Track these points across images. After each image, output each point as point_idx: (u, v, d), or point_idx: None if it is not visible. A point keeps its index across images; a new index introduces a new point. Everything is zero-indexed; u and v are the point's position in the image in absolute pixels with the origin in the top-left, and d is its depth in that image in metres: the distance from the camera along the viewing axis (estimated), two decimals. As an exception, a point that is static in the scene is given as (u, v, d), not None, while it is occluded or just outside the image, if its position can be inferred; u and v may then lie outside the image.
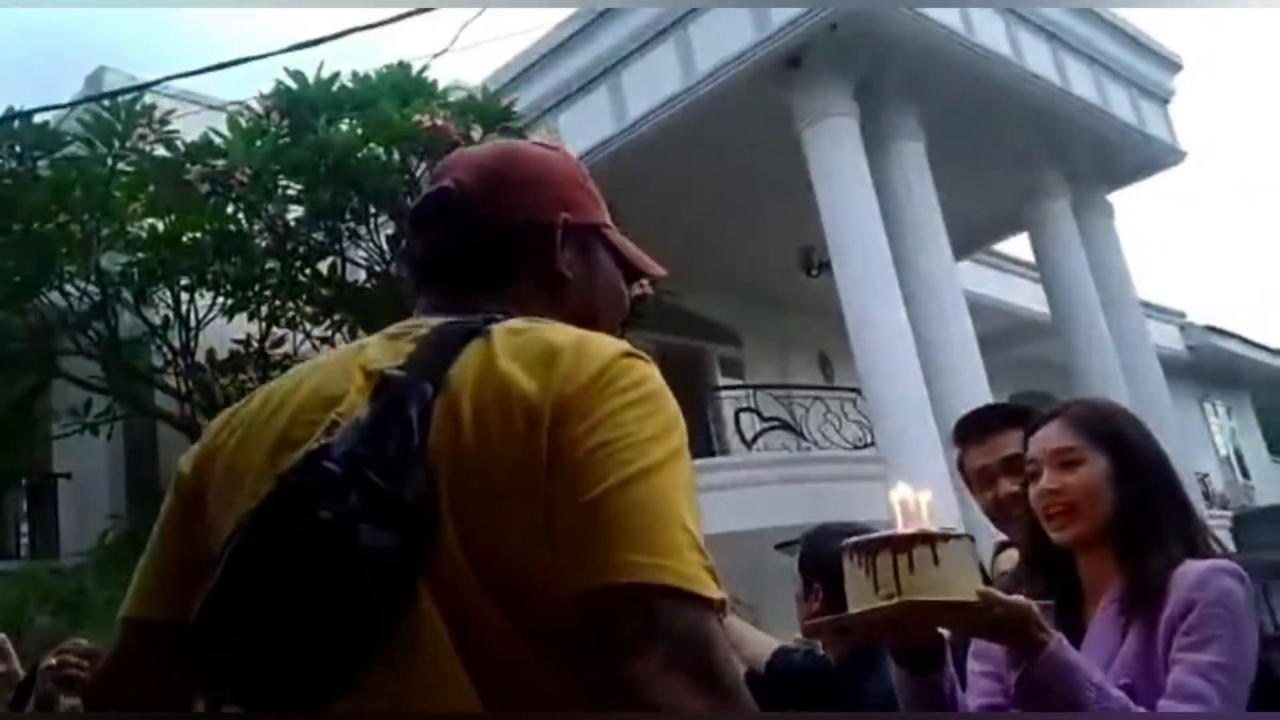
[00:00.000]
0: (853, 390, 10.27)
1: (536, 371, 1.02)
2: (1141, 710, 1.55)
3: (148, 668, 1.15)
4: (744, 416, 10.52)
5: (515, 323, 1.10)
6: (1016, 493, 2.11)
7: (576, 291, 1.21)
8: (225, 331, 8.51)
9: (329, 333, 8.60)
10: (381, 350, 1.13)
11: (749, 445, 10.39)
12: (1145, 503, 1.74)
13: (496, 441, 1.00)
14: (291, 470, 1.00)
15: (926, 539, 1.49)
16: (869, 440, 10.14)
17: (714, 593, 0.94)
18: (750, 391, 11.14)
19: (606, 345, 1.05)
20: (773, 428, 10.61)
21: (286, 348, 8.62)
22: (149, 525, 1.23)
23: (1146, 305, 18.33)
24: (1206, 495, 18.70)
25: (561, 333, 1.07)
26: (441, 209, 1.21)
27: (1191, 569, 1.66)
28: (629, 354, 1.05)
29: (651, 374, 1.05)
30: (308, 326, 8.59)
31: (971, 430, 2.44)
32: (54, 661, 2.32)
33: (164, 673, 1.13)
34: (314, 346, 8.66)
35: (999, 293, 15.38)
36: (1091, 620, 1.75)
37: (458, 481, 0.99)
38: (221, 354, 8.45)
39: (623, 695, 0.89)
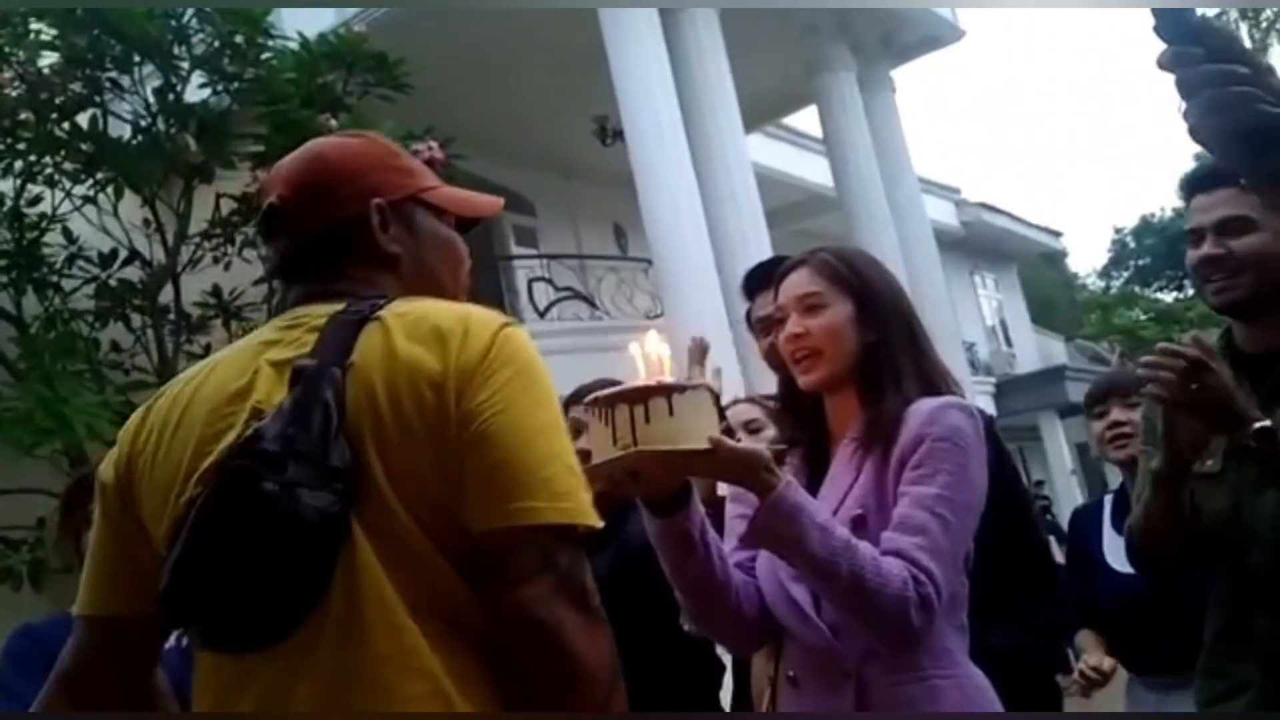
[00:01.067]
0: (645, 260, 10.35)
1: (434, 349, 1.23)
2: (864, 544, 1.63)
3: (107, 659, 1.34)
4: (537, 286, 10.50)
5: (398, 305, 1.30)
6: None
7: (410, 262, 1.41)
8: (-26, 189, 7.85)
9: (91, 191, 8.04)
10: (282, 344, 1.31)
11: (541, 315, 10.39)
12: (886, 345, 1.81)
13: (409, 408, 1.21)
14: (235, 454, 1.19)
15: (662, 390, 1.52)
16: (661, 310, 10.30)
17: (596, 521, 1.21)
18: (544, 261, 11.10)
19: (489, 319, 1.29)
20: (566, 298, 10.64)
21: (44, 206, 8.02)
22: None
23: (925, 181, 19.10)
24: (973, 364, 19.91)
25: (445, 313, 1.28)
26: (274, 223, 1.41)
27: (923, 405, 1.74)
28: (505, 325, 1.30)
29: (524, 341, 1.30)
30: (67, 184, 8.00)
31: (757, 281, 2.48)
32: None
33: (122, 661, 1.34)
34: (75, 207, 8.10)
35: (787, 166, 15.69)
36: (835, 454, 1.82)
37: (382, 445, 1.19)
38: (-29, 214, 7.81)
39: (513, 612, 1.15)
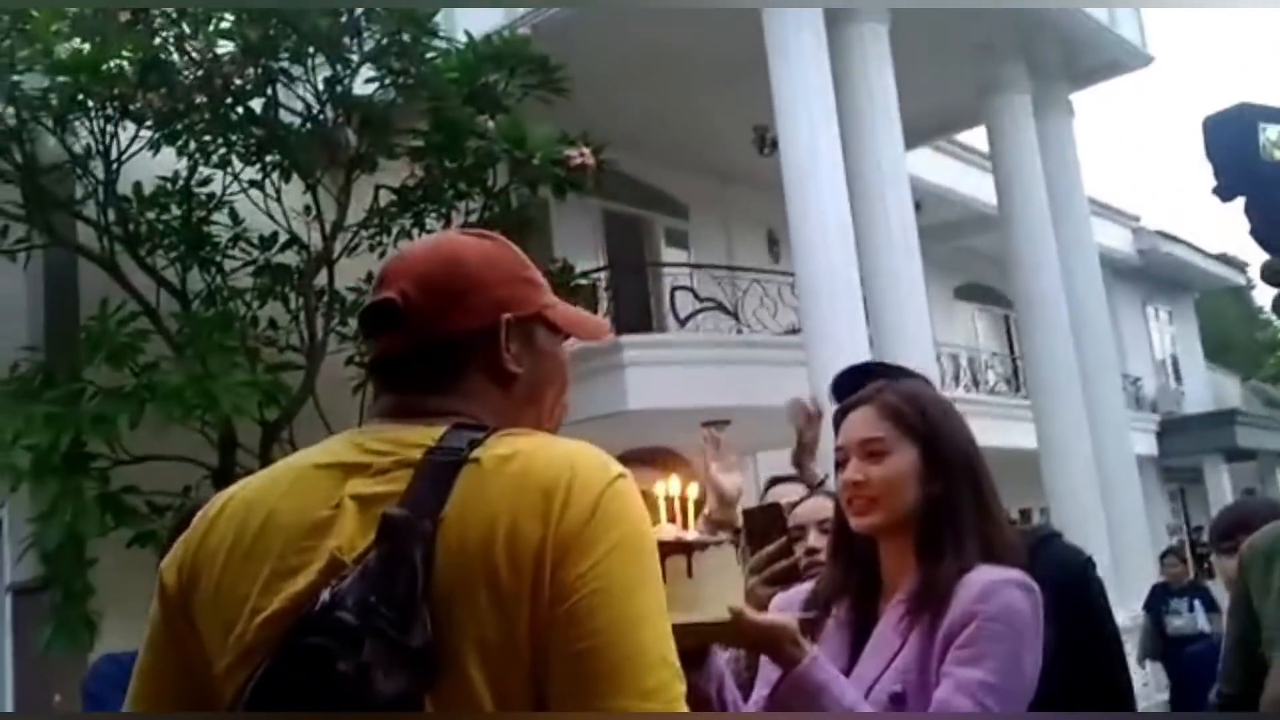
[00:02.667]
0: (792, 274, 10.19)
1: (535, 507, 1.12)
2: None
3: None
4: (679, 295, 10.46)
5: (499, 445, 1.18)
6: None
7: (525, 382, 1.30)
8: (151, 167, 8.22)
9: (259, 175, 8.35)
10: (371, 473, 1.19)
11: (682, 324, 10.35)
12: (949, 500, 1.68)
13: (505, 577, 1.11)
14: (310, 625, 1.09)
15: (682, 548, 1.43)
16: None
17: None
18: (690, 270, 11.06)
19: (596, 475, 1.16)
20: (708, 308, 10.56)
21: (214, 187, 8.37)
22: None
23: (1103, 207, 18.32)
24: (1138, 400, 19.05)
25: (550, 461, 1.16)
26: (389, 320, 1.27)
27: (978, 578, 1.60)
28: (616, 478, 1.17)
29: (632, 500, 1.17)
30: (237, 166, 8.32)
31: (846, 388, 2.33)
32: None
33: None
34: (243, 189, 8.42)
35: (950, 181, 15.26)
36: (883, 613, 1.70)
37: (471, 615, 1.10)
38: (147, 189, 8.20)
39: None
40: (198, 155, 8.24)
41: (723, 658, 1.59)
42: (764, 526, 1.94)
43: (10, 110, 7.68)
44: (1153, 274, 21.22)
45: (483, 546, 1.11)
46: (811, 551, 2.20)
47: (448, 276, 1.28)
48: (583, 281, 9.11)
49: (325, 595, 1.10)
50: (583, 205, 9.97)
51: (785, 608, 1.74)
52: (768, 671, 1.69)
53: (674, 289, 10.47)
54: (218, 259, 8.36)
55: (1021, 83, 11.51)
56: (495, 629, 1.10)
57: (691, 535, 1.47)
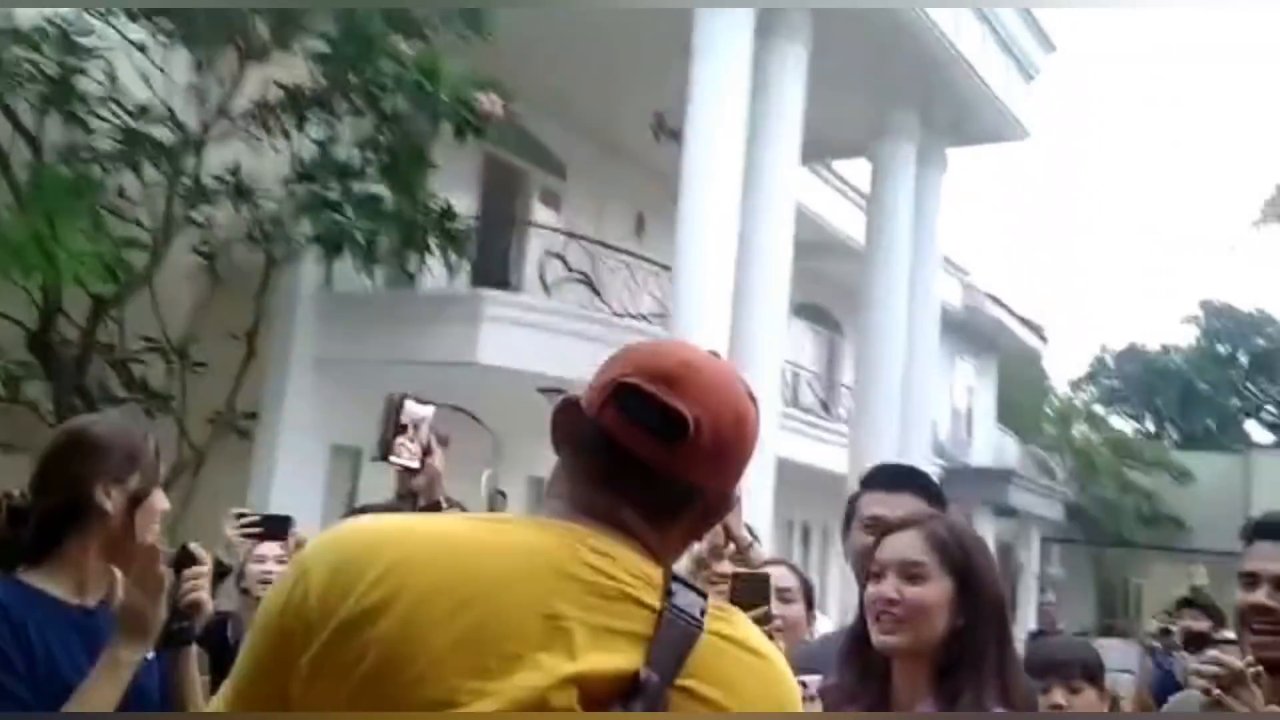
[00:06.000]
0: (662, 265, 10.27)
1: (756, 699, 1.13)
2: None
3: None
4: (550, 261, 10.40)
5: (723, 624, 1.14)
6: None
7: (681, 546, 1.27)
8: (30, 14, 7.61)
9: (148, 37, 7.84)
10: (597, 592, 1.10)
11: (547, 291, 10.30)
12: (973, 633, 1.76)
13: None
14: None
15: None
16: (663, 313, 10.23)
17: None
18: (562, 238, 11.00)
19: (791, 690, 1.19)
20: (575, 279, 10.54)
21: (93, 41, 7.79)
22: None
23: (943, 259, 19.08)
24: (934, 443, 20.03)
25: (784, 676, 1.18)
26: (668, 433, 1.15)
27: None
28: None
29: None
30: (124, 22, 7.81)
31: (882, 480, 2.41)
32: None
33: None
34: (128, 46, 7.89)
35: (817, 204, 15.65)
36: None
37: None
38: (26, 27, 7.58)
39: None
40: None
41: None
42: (750, 593, 1.97)
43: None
44: (970, 329, 22.30)
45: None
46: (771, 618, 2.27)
47: (736, 437, 1.20)
48: (460, 228, 8.94)
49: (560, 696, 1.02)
50: (466, 144, 9.78)
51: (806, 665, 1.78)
52: None
53: (546, 253, 10.40)
54: (83, 115, 7.81)
55: (912, 131, 11.89)
56: None
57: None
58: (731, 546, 2.21)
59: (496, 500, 9.06)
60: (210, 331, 9.07)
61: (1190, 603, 6.69)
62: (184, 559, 1.96)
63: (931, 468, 17.81)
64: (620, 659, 1.06)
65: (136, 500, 1.87)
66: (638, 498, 1.16)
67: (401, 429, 2.29)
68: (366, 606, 1.05)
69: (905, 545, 1.81)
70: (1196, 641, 5.40)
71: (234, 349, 9.33)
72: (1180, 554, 28.84)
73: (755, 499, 9.97)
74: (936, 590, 1.76)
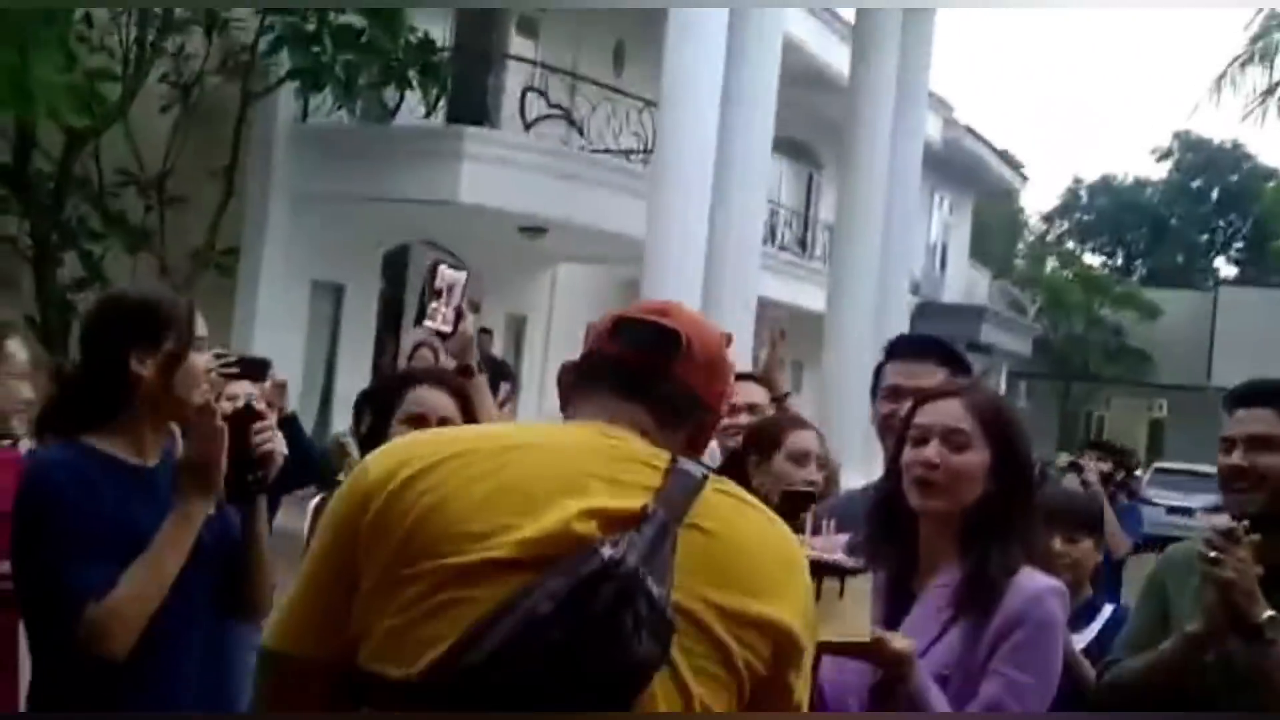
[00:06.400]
0: (645, 101, 10.12)
1: (776, 577, 1.29)
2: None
3: (307, 702, 1.29)
4: (530, 97, 10.20)
5: (724, 485, 1.32)
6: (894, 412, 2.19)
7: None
8: None
9: None
10: (616, 457, 1.28)
11: (527, 128, 10.14)
12: (1004, 500, 1.83)
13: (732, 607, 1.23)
14: (602, 572, 1.15)
15: (837, 571, 1.57)
16: (644, 149, 10.13)
17: None
18: (541, 71, 10.76)
19: (796, 554, 1.36)
20: (556, 116, 10.37)
21: None
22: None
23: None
24: (911, 280, 20.15)
25: (786, 538, 1.36)
26: (666, 347, 1.35)
27: (1028, 585, 1.77)
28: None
29: None
30: None
31: (904, 350, 2.46)
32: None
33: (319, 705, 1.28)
34: None
35: (800, 32, 15.31)
36: (920, 593, 1.85)
37: (712, 611, 1.22)
38: None
39: None
40: None
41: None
42: (791, 509, 2.03)
43: None
44: (949, 164, 22.16)
45: (723, 563, 1.25)
46: (810, 483, 2.47)
47: (722, 354, 1.39)
48: (435, 60, 8.74)
49: (607, 549, 1.17)
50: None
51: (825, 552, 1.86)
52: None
53: (525, 90, 10.18)
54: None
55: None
56: (732, 623, 1.23)
57: (849, 561, 1.65)
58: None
59: (481, 339, 9.14)
60: (188, 167, 8.93)
61: (1095, 444, 7.62)
62: (247, 414, 2.01)
63: (907, 306, 18.04)
64: (633, 501, 1.23)
65: (174, 362, 1.90)
66: (645, 406, 1.34)
67: (436, 294, 2.33)
68: (416, 470, 1.25)
69: (950, 412, 1.86)
70: (1103, 481, 6.09)
71: (212, 185, 9.20)
72: (1143, 388, 29.61)
73: (736, 339, 10.04)
74: (975, 458, 1.82)
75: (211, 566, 1.93)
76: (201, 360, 1.96)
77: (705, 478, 1.29)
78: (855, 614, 1.61)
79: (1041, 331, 26.37)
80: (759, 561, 1.28)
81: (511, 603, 1.15)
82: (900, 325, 12.67)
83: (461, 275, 2.37)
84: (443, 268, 2.36)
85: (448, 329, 2.39)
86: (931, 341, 2.52)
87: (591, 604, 1.15)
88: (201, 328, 1.97)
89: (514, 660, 1.14)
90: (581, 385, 1.40)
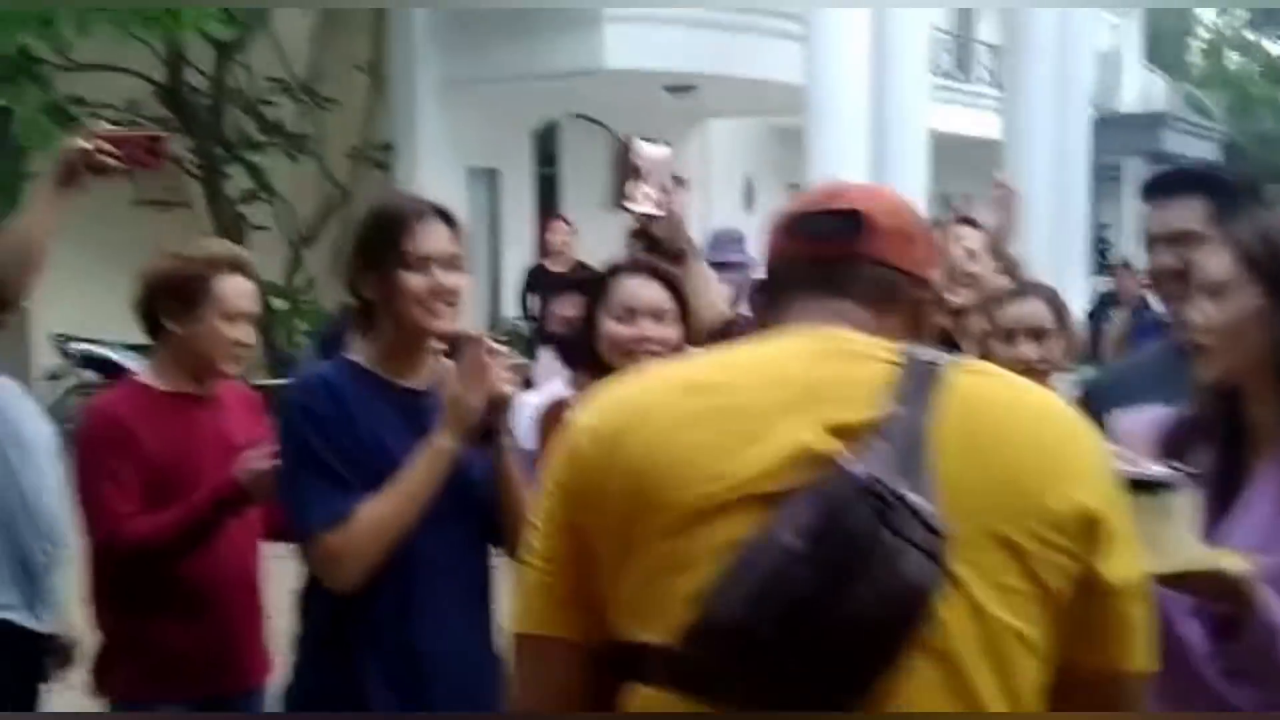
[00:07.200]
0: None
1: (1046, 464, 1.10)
2: None
3: (568, 683, 1.18)
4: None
5: (967, 364, 1.17)
6: (1173, 269, 1.90)
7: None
8: None
9: None
10: (840, 354, 1.15)
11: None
12: None
13: (1008, 495, 1.07)
14: (857, 486, 1.02)
15: (1151, 486, 1.29)
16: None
17: None
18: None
19: (1077, 425, 1.16)
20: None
21: None
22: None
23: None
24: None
25: (1062, 413, 1.16)
26: (848, 230, 1.23)
27: None
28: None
29: None
30: None
31: (1159, 190, 2.12)
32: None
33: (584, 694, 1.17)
34: None
35: None
36: (1256, 473, 1.54)
37: (992, 511, 1.06)
38: None
39: None
40: None
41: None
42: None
43: None
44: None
45: (984, 457, 1.09)
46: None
47: (910, 216, 1.28)
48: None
49: (852, 465, 1.03)
50: None
51: (1132, 430, 1.61)
52: None
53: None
54: None
55: None
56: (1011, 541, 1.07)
57: (1164, 474, 1.35)
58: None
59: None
60: (335, 68, 8.91)
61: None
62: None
63: (1086, 120, 16.97)
64: (869, 405, 1.09)
65: (391, 280, 1.80)
66: (849, 297, 1.22)
67: (635, 173, 2.13)
68: (627, 420, 1.14)
69: (1207, 261, 1.58)
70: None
71: (360, 83, 9.17)
72: (1346, 182, 27.45)
73: (909, 174, 9.62)
74: (1239, 305, 1.51)
75: (478, 505, 1.87)
76: (447, 280, 1.82)
77: (944, 362, 1.13)
78: (1180, 536, 1.33)
79: (1227, 134, 24.57)
80: (1033, 443, 1.11)
81: (756, 544, 1.02)
82: (1082, 144, 11.95)
83: (664, 150, 2.16)
84: (638, 143, 2.15)
85: (656, 211, 2.18)
86: (1185, 175, 2.18)
87: (846, 530, 1.01)
88: (440, 243, 1.84)
89: (768, 610, 1.01)
90: (776, 297, 1.27)
